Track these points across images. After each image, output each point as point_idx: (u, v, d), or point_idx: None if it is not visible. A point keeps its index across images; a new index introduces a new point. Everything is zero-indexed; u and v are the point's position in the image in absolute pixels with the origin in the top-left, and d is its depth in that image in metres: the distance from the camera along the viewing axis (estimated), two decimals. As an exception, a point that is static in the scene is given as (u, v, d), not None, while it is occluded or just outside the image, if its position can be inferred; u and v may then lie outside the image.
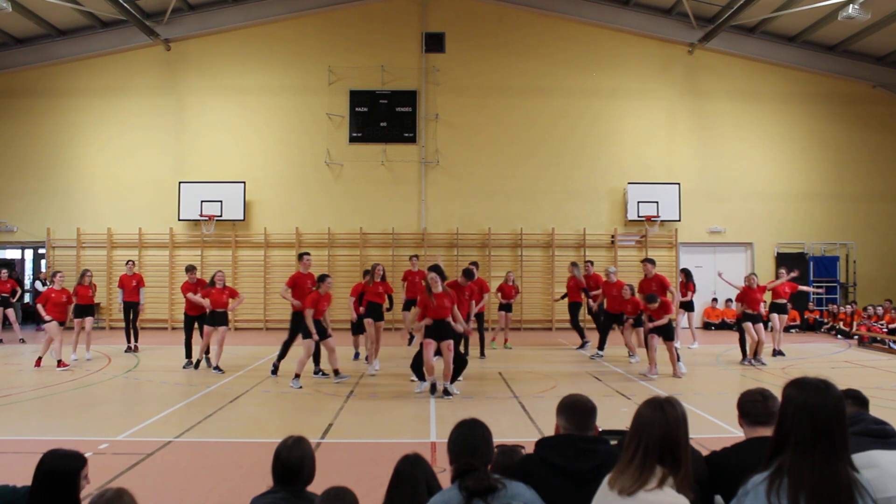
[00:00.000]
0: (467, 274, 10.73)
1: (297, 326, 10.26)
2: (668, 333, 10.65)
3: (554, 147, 18.60)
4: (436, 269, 9.50)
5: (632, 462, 2.34)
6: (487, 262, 17.73)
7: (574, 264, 14.05)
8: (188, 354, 11.54)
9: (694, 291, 14.03)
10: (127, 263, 14.07)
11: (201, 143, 18.50)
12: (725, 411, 7.83)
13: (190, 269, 12.16)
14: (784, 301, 13.21)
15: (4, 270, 15.49)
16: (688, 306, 14.06)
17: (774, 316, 13.07)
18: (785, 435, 2.19)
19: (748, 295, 12.00)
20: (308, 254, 11.15)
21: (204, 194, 17.77)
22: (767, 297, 12.94)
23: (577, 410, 2.96)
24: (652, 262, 12.16)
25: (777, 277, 13.56)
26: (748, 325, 11.90)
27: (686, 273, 14.20)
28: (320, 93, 18.47)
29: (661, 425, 2.37)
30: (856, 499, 2.07)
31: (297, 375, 9.73)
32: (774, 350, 12.98)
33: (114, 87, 18.61)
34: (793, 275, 13.34)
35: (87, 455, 3.17)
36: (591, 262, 14.21)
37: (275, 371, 10.53)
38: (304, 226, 18.27)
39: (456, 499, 2.56)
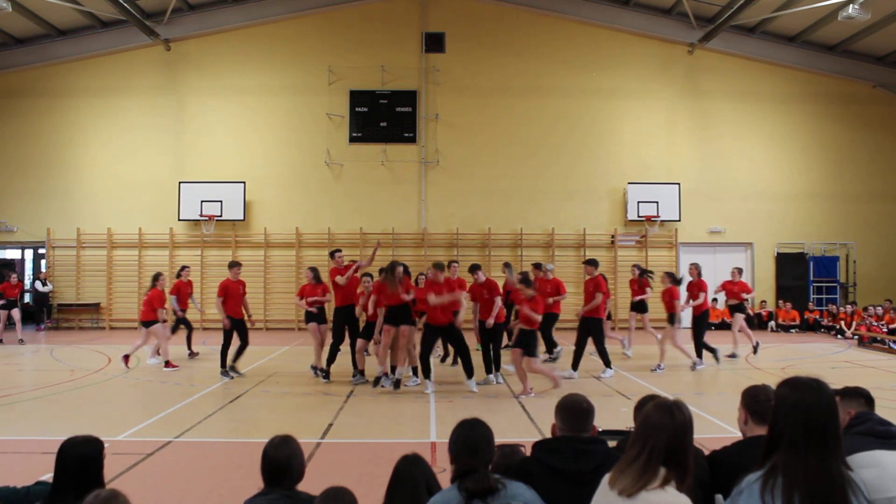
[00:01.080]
0: (474, 268, 10.63)
1: (340, 326, 10.08)
2: (528, 346, 8.82)
3: (554, 147, 18.60)
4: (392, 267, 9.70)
5: (634, 463, 2.33)
6: (487, 262, 17.71)
7: (507, 265, 12.21)
8: (230, 361, 10.62)
9: (645, 292, 12.73)
10: (183, 269, 13.02)
11: (201, 143, 18.51)
12: (725, 411, 7.83)
13: (233, 265, 11.17)
14: (737, 302, 12.62)
15: (14, 275, 15.64)
16: (640, 307, 12.85)
17: (738, 315, 12.67)
18: (778, 434, 2.20)
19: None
20: (339, 251, 10.74)
21: (204, 194, 17.77)
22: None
23: (573, 411, 2.96)
24: (593, 263, 10.94)
25: (732, 277, 12.82)
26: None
27: (641, 270, 12.99)
28: (320, 93, 18.47)
29: (670, 429, 2.35)
30: (849, 498, 2.07)
31: (386, 374, 9.66)
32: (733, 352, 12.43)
33: (114, 87, 18.61)
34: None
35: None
36: (539, 266, 12.26)
37: (326, 376, 10.01)
38: (304, 226, 18.27)
39: (456, 499, 2.56)
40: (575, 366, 10.47)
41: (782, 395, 2.26)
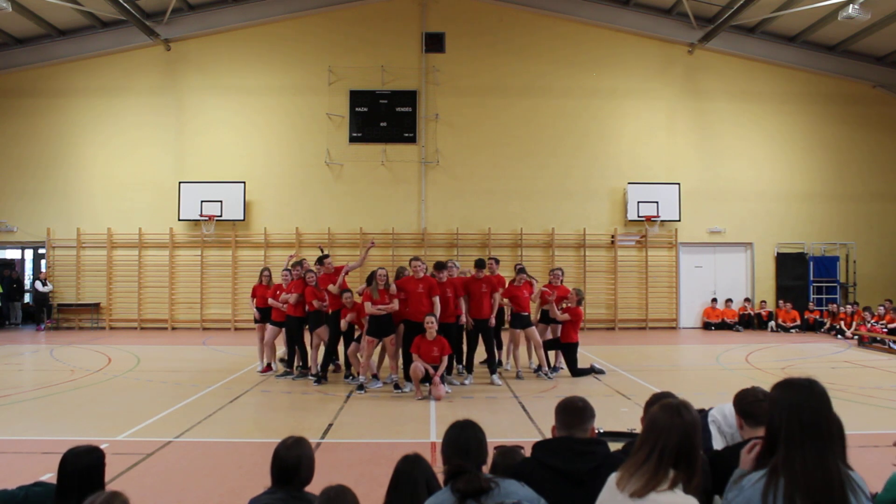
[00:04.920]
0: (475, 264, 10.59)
1: (336, 329, 10.03)
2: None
3: (553, 147, 18.60)
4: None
5: (644, 464, 2.33)
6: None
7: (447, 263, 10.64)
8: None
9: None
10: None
11: (201, 142, 18.50)
12: (725, 411, 7.81)
13: (310, 262, 10.81)
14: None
15: (267, 272, 11.50)
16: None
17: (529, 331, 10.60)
18: (775, 435, 2.22)
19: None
20: (328, 256, 10.69)
21: (204, 194, 17.77)
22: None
23: (568, 410, 2.99)
24: (480, 264, 10.26)
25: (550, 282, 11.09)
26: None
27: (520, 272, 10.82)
28: (320, 93, 18.47)
29: (679, 429, 2.36)
30: (847, 496, 2.08)
31: (375, 376, 9.75)
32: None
33: (114, 87, 18.60)
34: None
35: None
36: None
37: (319, 380, 9.89)
38: (304, 226, 18.27)
39: (449, 500, 2.56)
40: (469, 368, 10.21)
41: (776, 397, 2.30)
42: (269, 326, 10.86)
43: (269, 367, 10.84)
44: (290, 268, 10.87)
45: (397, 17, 18.73)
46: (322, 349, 10.20)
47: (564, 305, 10.48)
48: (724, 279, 18.85)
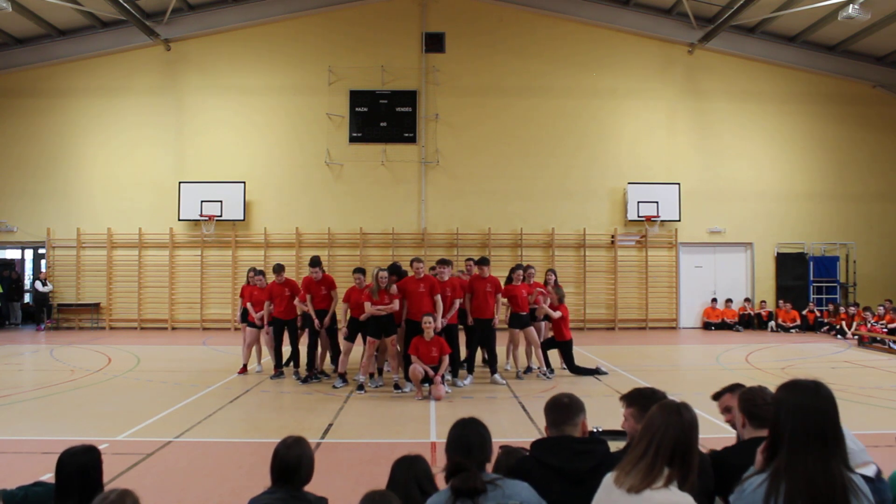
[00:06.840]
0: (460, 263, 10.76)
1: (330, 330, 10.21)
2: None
3: (553, 147, 18.60)
4: (392, 268, 9.96)
5: (640, 461, 2.34)
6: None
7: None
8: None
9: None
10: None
11: (201, 142, 18.50)
12: (725, 411, 7.81)
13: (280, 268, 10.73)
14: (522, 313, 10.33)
15: (257, 276, 11.25)
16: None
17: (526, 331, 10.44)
18: (779, 437, 2.21)
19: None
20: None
21: (204, 194, 17.77)
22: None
23: (557, 409, 3.00)
24: (485, 262, 10.20)
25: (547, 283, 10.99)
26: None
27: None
28: (320, 93, 18.47)
29: (676, 428, 2.38)
30: (850, 500, 2.08)
31: (341, 375, 9.76)
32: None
33: (114, 87, 18.60)
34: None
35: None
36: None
37: (306, 379, 9.99)
38: (304, 226, 18.27)
39: (447, 499, 2.55)
40: (471, 369, 10.21)
41: (781, 399, 2.28)
42: (268, 329, 10.84)
43: (244, 369, 10.79)
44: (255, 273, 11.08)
45: (397, 17, 18.74)
46: (323, 351, 10.41)
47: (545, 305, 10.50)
48: (724, 279, 18.85)
